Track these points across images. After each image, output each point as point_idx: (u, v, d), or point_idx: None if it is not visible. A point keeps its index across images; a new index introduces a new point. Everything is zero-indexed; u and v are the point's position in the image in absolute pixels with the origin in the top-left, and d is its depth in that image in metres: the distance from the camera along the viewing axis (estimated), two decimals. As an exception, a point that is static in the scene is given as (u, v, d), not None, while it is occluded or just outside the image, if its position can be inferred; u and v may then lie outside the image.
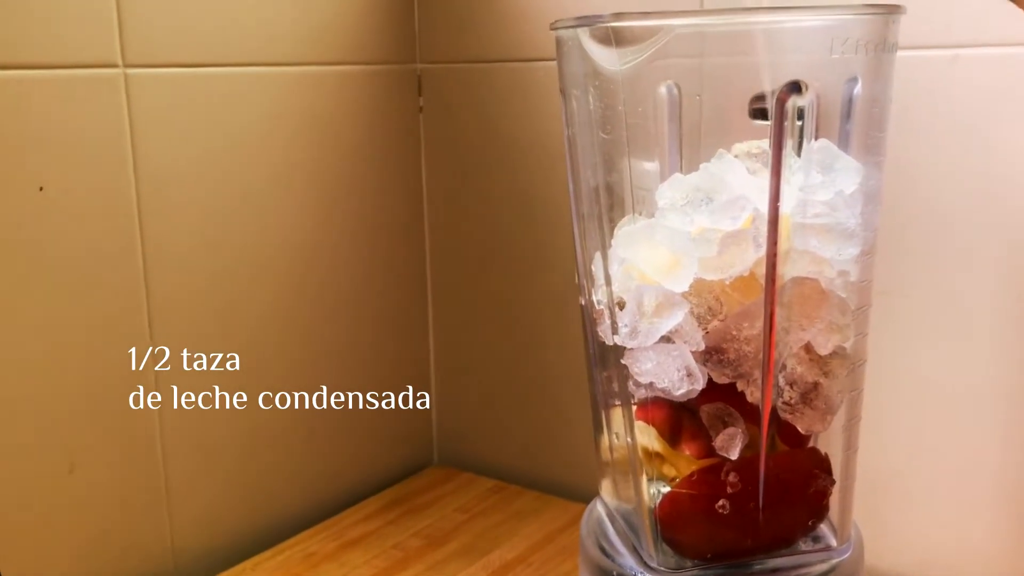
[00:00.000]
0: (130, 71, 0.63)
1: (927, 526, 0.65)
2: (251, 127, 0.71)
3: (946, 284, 0.62)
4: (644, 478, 0.48)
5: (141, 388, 0.66)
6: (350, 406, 0.82)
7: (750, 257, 0.44)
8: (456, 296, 0.86)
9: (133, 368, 0.66)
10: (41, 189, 0.60)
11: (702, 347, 0.45)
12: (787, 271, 0.45)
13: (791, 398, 0.46)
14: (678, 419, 0.47)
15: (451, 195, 0.84)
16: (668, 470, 0.48)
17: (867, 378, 0.50)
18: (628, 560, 0.50)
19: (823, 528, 0.50)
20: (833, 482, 0.48)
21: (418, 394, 0.88)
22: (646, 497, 0.48)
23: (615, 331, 0.47)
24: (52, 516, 0.63)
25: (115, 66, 0.62)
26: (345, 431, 0.82)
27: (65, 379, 0.62)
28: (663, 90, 0.48)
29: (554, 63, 0.49)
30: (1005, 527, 0.63)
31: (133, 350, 0.66)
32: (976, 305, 0.61)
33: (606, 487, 0.54)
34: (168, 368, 0.68)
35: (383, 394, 0.85)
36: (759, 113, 0.45)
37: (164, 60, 0.65)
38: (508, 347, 0.84)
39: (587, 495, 0.80)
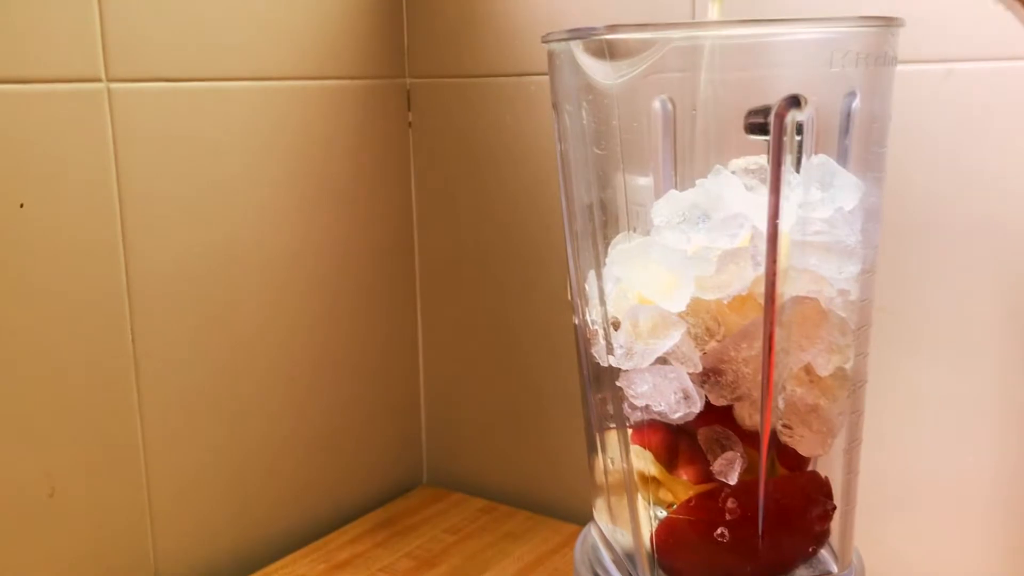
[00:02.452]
0: (113, 85, 0.62)
1: (927, 545, 0.64)
2: (238, 143, 0.70)
3: (942, 300, 0.61)
4: (640, 503, 0.47)
5: (124, 409, 0.65)
6: (337, 425, 0.81)
7: (749, 276, 0.43)
8: (446, 314, 0.85)
9: (116, 388, 0.65)
10: (22, 206, 0.58)
11: (699, 368, 0.44)
12: (786, 290, 0.44)
13: (791, 421, 0.45)
14: (675, 443, 0.46)
15: (441, 211, 0.84)
16: (665, 495, 0.46)
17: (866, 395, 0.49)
18: (624, 587, 0.48)
19: (823, 553, 0.49)
20: (834, 507, 0.47)
21: (407, 412, 0.87)
22: (642, 523, 0.47)
23: (610, 352, 0.46)
24: (31, 541, 0.61)
25: (98, 80, 0.61)
26: (332, 451, 0.80)
27: (45, 399, 0.61)
28: (657, 104, 0.47)
29: (546, 77, 0.48)
30: (1006, 544, 0.62)
31: (116, 369, 0.64)
32: (973, 320, 0.60)
33: (601, 511, 0.53)
34: (151, 388, 0.66)
35: (371, 413, 0.84)
36: (755, 128, 0.44)
37: (149, 74, 0.64)
38: (498, 365, 0.83)
39: (579, 515, 0.79)
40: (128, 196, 0.64)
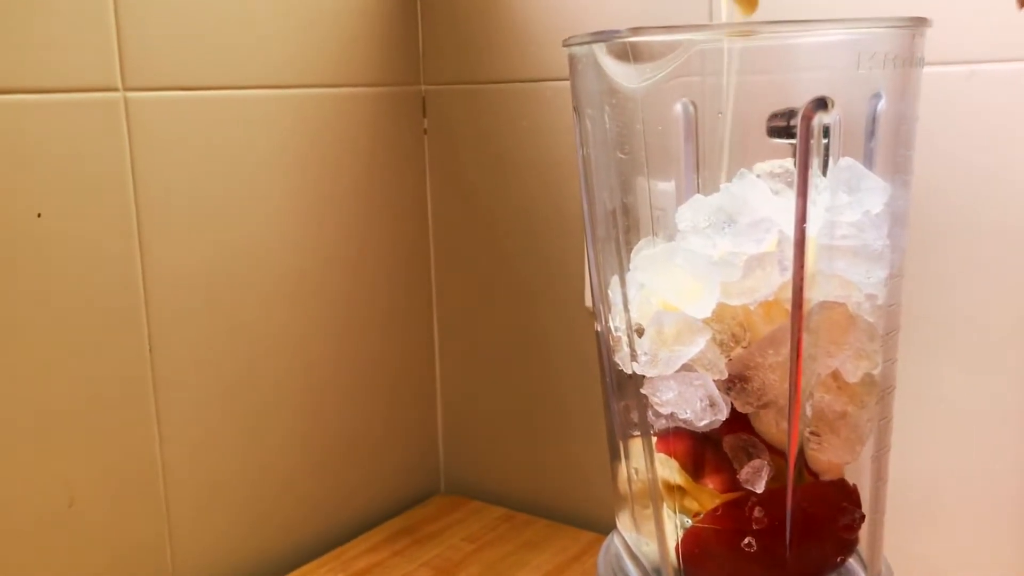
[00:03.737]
0: (130, 95, 0.62)
1: (955, 552, 0.63)
2: (253, 150, 0.70)
3: (966, 303, 0.60)
4: (665, 512, 0.46)
5: (142, 418, 0.65)
6: (354, 432, 0.80)
7: (775, 281, 0.43)
8: (463, 321, 0.85)
9: (134, 397, 0.64)
10: (39, 215, 0.58)
11: (725, 375, 0.44)
12: (814, 295, 0.43)
13: (818, 428, 0.44)
14: (701, 451, 0.45)
15: (456, 218, 0.83)
16: (691, 504, 0.46)
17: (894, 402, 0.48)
18: (649, 598, 0.48)
19: (852, 563, 0.48)
20: (863, 516, 0.46)
21: (424, 420, 0.87)
22: (668, 532, 0.46)
23: (634, 359, 0.45)
24: (50, 551, 0.61)
25: (115, 89, 0.61)
26: (350, 459, 0.80)
27: (64, 409, 0.61)
28: (678, 108, 0.47)
29: (560, 83, 0.48)
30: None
31: (133, 379, 0.64)
32: (998, 324, 0.60)
33: (624, 520, 0.52)
34: (169, 397, 0.66)
35: (388, 421, 0.83)
36: (777, 131, 0.44)
37: (165, 83, 0.64)
38: (515, 372, 0.83)
39: (598, 523, 0.79)
40: (145, 205, 0.63)
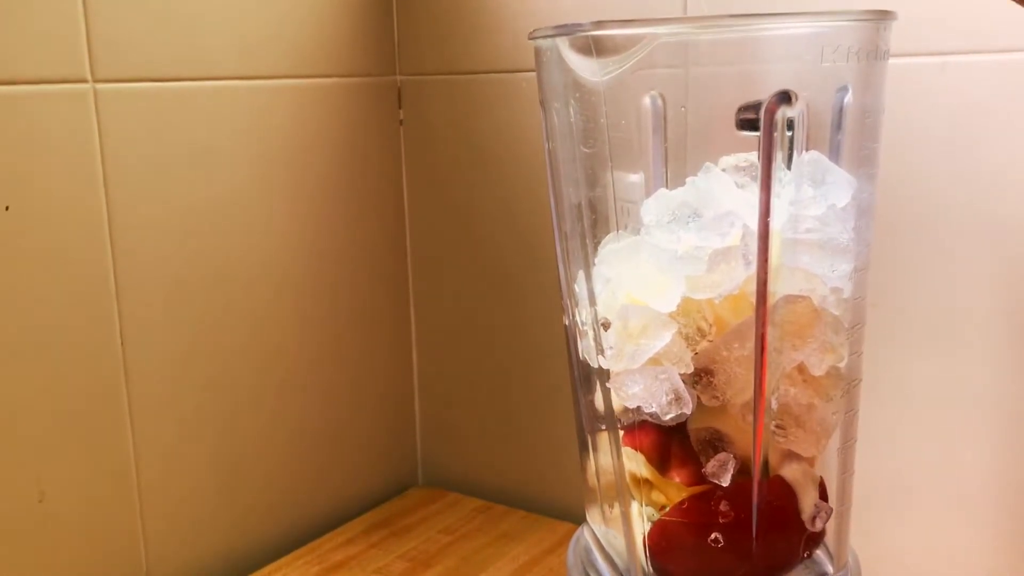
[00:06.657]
0: (100, 86, 0.61)
1: (924, 543, 0.64)
2: (226, 143, 0.69)
3: (937, 296, 0.60)
4: (632, 506, 0.46)
5: (114, 412, 0.64)
6: (331, 426, 0.80)
7: (740, 275, 0.43)
8: (440, 312, 0.85)
9: (106, 392, 0.64)
10: (7, 208, 0.58)
11: (691, 369, 0.44)
12: (778, 289, 0.43)
13: (784, 421, 0.44)
14: (667, 444, 0.45)
15: (433, 210, 0.83)
16: (657, 497, 0.46)
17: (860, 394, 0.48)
18: (617, 591, 0.48)
19: (819, 554, 0.48)
20: (830, 509, 0.46)
21: (401, 412, 0.87)
22: (635, 526, 0.46)
23: (600, 353, 0.45)
24: (20, 548, 0.61)
25: (84, 81, 0.61)
26: (326, 451, 0.80)
27: (34, 403, 0.60)
28: (647, 101, 0.47)
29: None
30: (1003, 540, 0.61)
31: (105, 373, 0.64)
32: (969, 317, 0.60)
33: (593, 513, 0.52)
34: (142, 392, 0.66)
35: (365, 413, 0.83)
36: (747, 124, 0.44)
37: (135, 74, 0.63)
38: (492, 364, 0.82)
39: (575, 515, 0.79)
40: (116, 198, 0.63)
